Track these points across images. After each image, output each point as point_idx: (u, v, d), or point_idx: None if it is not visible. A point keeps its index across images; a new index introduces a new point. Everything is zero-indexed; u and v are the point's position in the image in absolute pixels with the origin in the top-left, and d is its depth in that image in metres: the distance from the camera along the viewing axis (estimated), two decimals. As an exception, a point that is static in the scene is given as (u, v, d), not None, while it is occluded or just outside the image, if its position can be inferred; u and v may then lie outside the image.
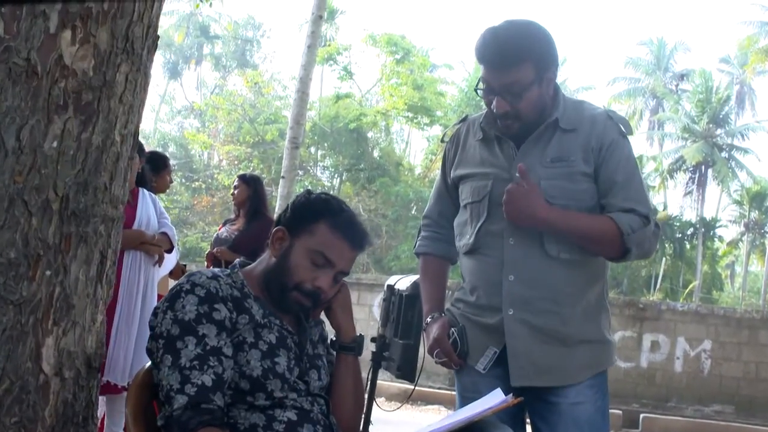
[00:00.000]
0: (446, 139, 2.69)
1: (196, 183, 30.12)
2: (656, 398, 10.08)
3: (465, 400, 2.51)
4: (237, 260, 2.14)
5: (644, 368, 10.19)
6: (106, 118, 2.08)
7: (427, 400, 9.61)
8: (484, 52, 2.36)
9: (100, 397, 4.19)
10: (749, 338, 9.95)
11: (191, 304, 1.88)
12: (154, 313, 1.92)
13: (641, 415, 9.37)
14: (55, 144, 1.97)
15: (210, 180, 29.39)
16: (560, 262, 2.37)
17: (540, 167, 2.39)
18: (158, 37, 2.31)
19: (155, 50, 2.29)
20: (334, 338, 2.19)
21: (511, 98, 2.34)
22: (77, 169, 2.02)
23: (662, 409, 9.84)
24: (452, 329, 2.51)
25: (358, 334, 2.17)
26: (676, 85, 38.01)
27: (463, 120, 2.66)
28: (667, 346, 10.16)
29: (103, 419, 4.24)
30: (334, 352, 2.18)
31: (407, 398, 2.92)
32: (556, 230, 2.35)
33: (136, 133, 2.28)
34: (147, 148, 5.05)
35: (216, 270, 2.01)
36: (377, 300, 10.87)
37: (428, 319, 2.60)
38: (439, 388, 10.08)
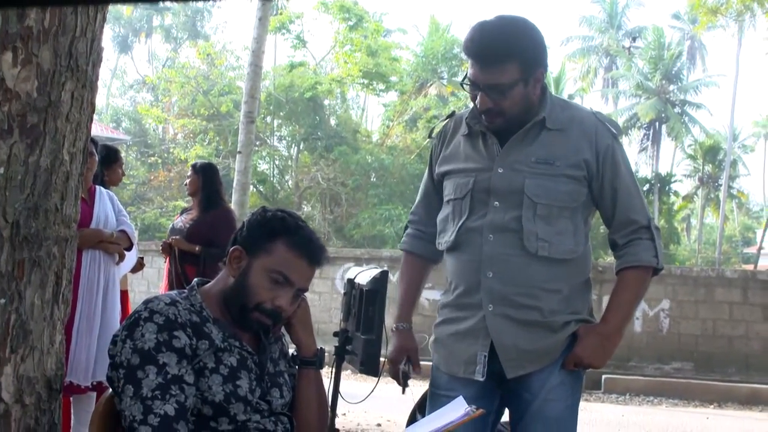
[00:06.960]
0: (433, 135, 2.67)
1: (152, 158, 29.71)
2: (617, 358, 10.26)
3: (435, 397, 2.53)
4: (195, 280, 2.11)
5: (605, 330, 10.33)
6: (53, 139, 2.04)
7: (393, 371, 9.67)
8: (471, 47, 2.35)
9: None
10: (706, 296, 10.15)
11: (150, 332, 1.86)
12: (113, 342, 1.91)
13: (603, 376, 9.55)
14: (1, 170, 1.94)
15: (166, 154, 28.99)
16: (539, 260, 2.37)
17: (524, 165, 2.39)
18: (103, 48, 2.26)
19: (100, 63, 2.25)
20: (295, 353, 2.19)
21: (494, 95, 2.33)
22: (26, 194, 1.99)
23: (624, 369, 10.03)
24: (404, 360, 2.58)
25: (318, 348, 2.17)
26: (629, 48, 38.24)
27: (451, 116, 2.64)
28: (627, 307, 10.29)
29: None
30: (296, 367, 2.18)
31: (369, 393, 2.92)
32: (627, 323, 2.56)
33: (85, 149, 2.24)
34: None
35: (174, 294, 1.99)
36: (339, 273, 10.86)
37: (394, 326, 2.64)
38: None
